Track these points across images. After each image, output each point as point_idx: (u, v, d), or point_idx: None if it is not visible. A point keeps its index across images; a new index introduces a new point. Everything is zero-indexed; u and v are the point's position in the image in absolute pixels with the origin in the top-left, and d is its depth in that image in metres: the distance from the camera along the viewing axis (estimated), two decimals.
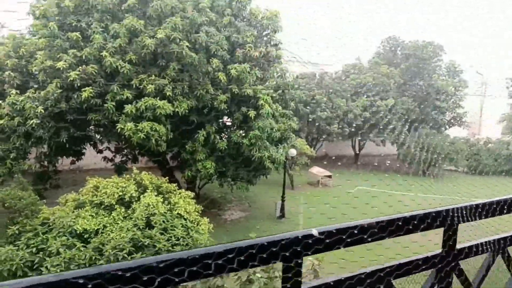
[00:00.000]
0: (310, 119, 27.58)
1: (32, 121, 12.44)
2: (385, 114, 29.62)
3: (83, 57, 13.00)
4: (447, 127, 35.30)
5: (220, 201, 19.73)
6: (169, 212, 10.31)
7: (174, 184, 12.05)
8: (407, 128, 32.91)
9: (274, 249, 1.00)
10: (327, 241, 1.09)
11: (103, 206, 10.23)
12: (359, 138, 32.65)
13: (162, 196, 10.91)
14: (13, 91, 12.93)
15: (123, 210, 10.04)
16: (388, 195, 21.94)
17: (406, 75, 33.26)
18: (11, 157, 12.84)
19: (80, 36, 13.40)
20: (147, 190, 10.68)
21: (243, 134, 15.65)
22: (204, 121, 15.29)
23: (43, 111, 12.52)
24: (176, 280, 0.90)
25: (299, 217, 17.70)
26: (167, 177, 12.33)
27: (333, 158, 31.65)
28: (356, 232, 1.14)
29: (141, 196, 10.45)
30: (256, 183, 17.21)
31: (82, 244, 8.93)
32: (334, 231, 1.11)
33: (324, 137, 29.15)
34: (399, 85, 32.80)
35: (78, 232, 9.16)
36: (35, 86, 13.40)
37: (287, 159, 18.20)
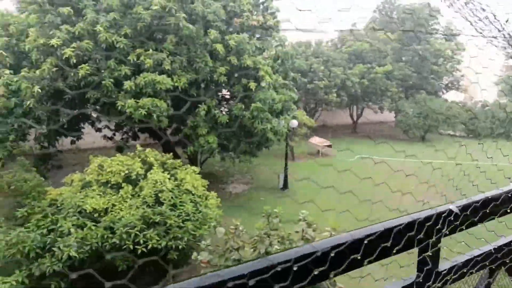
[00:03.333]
0: (308, 89, 27.30)
1: (29, 102, 12.12)
2: (382, 80, 29.38)
3: (77, 32, 12.53)
4: (444, 91, 35.22)
5: (222, 175, 19.76)
6: (176, 188, 10.25)
7: (179, 160, 11.96)
8: (404, 94, 32.79)
9: (410, 233, 0.90)
10: (468, 216, 0.96)
11: (109, 184, 10.14)
12: (357, 106, 32.55)
13: (168, 172, 10.83)
14: (7, 71, 12.51)
15: (130, 188, 9.96)
16: (389, 162, 22.06)
17: (402, 40, 32.77)
18: (10, 139, 12.59)
19: (71, 11, 12.87)
20: (153, 167, 10.59)
21: (244, 107, 15.44)
22: (204, 95, 15.02)
23: (39, 90, 12.17)
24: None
25: (302, 187, 17.81)
26: (170, 153, 12.21)
27: (332, 127, 31.65)
28: (498, 203, 1.02)
29: (148, 173, 10.36)
30: (258, 155, 17.17)
31: (92, 223, 8.89)
32: (472, 204, 0.98)
33: (322, 106, 28.97)
34: (396, 50, 32.39)
35: (87, 211, 9.10)
36: (29, 65, 12.97)
37: (288, 130, 18.10)
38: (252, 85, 14.72)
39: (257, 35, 15.71)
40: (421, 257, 0.95)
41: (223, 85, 15.99)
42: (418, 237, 0.92)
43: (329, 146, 24.20)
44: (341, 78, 27.90)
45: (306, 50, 29.06)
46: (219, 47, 14.11)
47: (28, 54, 12.96)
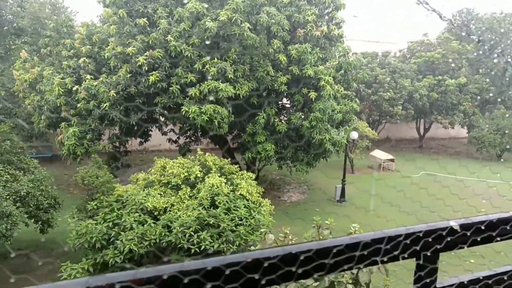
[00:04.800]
0: (372, 100, 26.50)
1: (105, 104, 13.26)
2: (454, 94, 27.59)
3: (150, 42, 13.51)
4: None
5: (279, 183, 19.85)
6: (232, 192, 10.55)
7: (236, 166, 12.30)
8: (480, 109, 30.44)
9: (408, 242, 0.92)
10: (469, 235, 0.97)
11: (170, 185, 10.73)
12: (425, 119, 30.86)
13: (225, 177, 11.19)
14: (88, 77, 13.81)
15: (188, 189, 10.44)
16: (457, 180, 20.65)
17: (480, 51, 30.53)
18: (87, 138, 13.84)
19: (147, 22, 13.91)
20: (210, 171, 11.00)
21: (303, 116, 15.46)
22: (264, 103, 15.29)
23: (114, 94, 13.27)
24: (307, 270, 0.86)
25: (360, 201, 17.28)
26: (228, 159, 12.59)
27: (396, 141, 30.35)
28: (508, 228, 1.01)
29: (205, 176, 10.78)
30: (316, 165, 17.01)
31: (152, 221, 9.45)
32: (473, 223, 0.98)
33: (386, 119, 27.91)
34: (471, 62, 30.28)
35: (148, 209, 9.70)
36: (107, 71, 14.20)
37: (348, 142, 17.72)
38: (313, 94, 14.70)
39: (320, 45, 15.66)
40: (418, 270, 0.96)
41: (284, 94, 16.16)
42: (415, 248, 0.94)
43: (392, 160, 23.22)
44: (409, 90, 26.70)
45: (372, 61, 28.27)
46: (281, 56, 14.32)
47: (107, 61, 14.21)
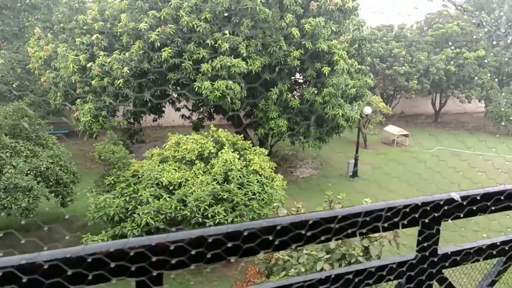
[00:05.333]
0: (387, 75, 26.02)
1: (119, 81, 13.37)
2: (472, 67, 26.86)
3: (162, 17, 13.43)
4: None
5: (291, 158, 19.94)
6: (245, 168, 10.71)
7: (249, 141, 12.41)
8: (498, 83, 29.65)
9: (413, 213, 0.99)
10: (469, 206, 1.03)
11: (184, 161, 10.93)
12: (441, 94, 30.27)
13: (238, 152, 11.33)
14: (101, 53, 13.89)
15: (202, 165, 10.64)
16: (475, 155, 20.41)
17: (500, 22, 29.41)
18: (102, 114, 14.06)
19: None
20: (224, 147, 11.14)
21: (316, 92, 15.34)
22: (277, 79, 15.20)
23: (128, 71, 13.35)
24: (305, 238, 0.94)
25: (373, 176, 17.31)
26: (241, 135, 12.68)
27: (411, 116, 29.95)
28: (502, 198, 1.07)
29: (219, 152, 10.94)
30: (328, 141, 17.00)
31: (167, 195, 9.71)
32: (478, 197, 1.04)
33: (401, 93, 27.45)
34: (491, 34, 29.24)
35: (164, 184, 9.94)
36: (120, 47, 14.23)
37: (362, 117, 17.58)
38: (326, 69, 14.53)
39: (334, 19, 15.33)
40: (420, 238, 1.03)
41: (297, 69, 16.00)
42: (418, 216, 1.00)
43: (406, 135, 23.01)
44: (425, 63, 26.08)
45: (387, 34, 27.56)
46: (294, 31, 14.10)
47: (120, 38, 14.23)
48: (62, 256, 0.80)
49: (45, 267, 0.78)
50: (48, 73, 15.37)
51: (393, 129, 23.07)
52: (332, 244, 6.07)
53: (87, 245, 0.86)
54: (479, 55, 26.49)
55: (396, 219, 0.97)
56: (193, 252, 0.87)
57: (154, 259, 0.85)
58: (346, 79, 14.77)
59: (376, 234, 6.09)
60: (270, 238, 0.91)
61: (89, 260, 0.81)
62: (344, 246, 6.13)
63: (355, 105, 15.72)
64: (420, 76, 26.47)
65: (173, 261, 0.87)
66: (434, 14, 30.80)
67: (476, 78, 27.16)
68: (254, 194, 9.98)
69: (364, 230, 0.97)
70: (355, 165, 17.42)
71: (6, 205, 9.13)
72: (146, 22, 13.29)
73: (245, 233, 0.89)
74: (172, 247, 0.87)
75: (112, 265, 0.83)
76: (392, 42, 26.64)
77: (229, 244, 0.88)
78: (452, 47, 27.37)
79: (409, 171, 15.89)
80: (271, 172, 11.29)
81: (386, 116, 21.51)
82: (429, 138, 23.86)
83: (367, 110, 17.53)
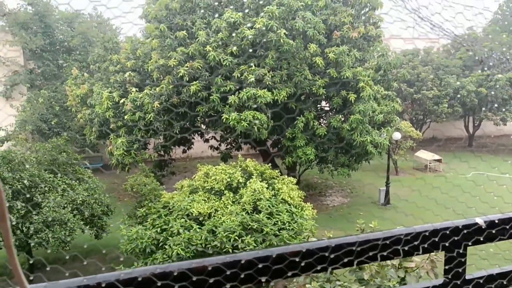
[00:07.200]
0: (415, 99, 25.66)
1: (150, 115, 13.89)
2: (505, 88, 26.08)
3: (190, 53, 14.00)
4: None
5: (320, 187, 19.71)
6: (273, 197, 10.67)
7: (277, 170, 12.41)
8: None
9: (435, 239, 1.00)
10: (493, 231, 1.03)
11: (213, 191, 11.03)
12: (473, 117, 29.39)
13: (266, 182, 11.33)
14: (133, 89, 14.55)
15: (231, 195, 10.68)
16: None
17: None
18: (134, 147, 14.55)
19: (186, 34, 14.44)
20: (252, 176, 11.18)
21: (343, 119, 15.31)
22: (303, 107, 15.32)
23: (158, 105, 13.87)
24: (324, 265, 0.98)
25: (405, 204, 16.77)
26: (269, 164, 12.72)
27: (444, 140, 29.13)
28: None
29: (247, 182, 10.98)
30: (358, 168, 16.75)
31: (198, 226, 9.76)
32: (498, 221, 1.05)
33: (431, 118, 26.87)
34: None
35: (193, 215, 10.03)
36: (151, 83, 14.87)
37: (391, 143, 17.29)
38: (352, 96, 14.55)
39: (358, 47, 15.47)
40: (448, 263, 1.03)
41: (322, 97, 16.10)
42: (444, 243, 1.01)
43: (439, 160, 22.32)
44: (454, 86, 25.58)
45: (413, 58, 27.40)
46: (319, 60, 14.31)
47: (150, 74, 14.89)
48: (115, 278, 0.91)
49: (104, 285, 0.90)
50: (84, 109, 16.18)
51: (425, 155, 22.47)
52: (366, 275, 5.88)
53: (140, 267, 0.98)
54: (511, 76, 25.77)
55: (421, 244, 0.99)
56: (228, 273, 0.95)
57: (194, 278, 0.94)
58: (372, 105, 14.69)
59: (413, 264, 5.88)
60: (297, 259, 0.97)
61: (140, 279, 0.91)
62: (378, 278, 5.93)
63: (384, 131, 15.52)
64: (450, 100, 25.93)
65: (211, 280, 0.95)
66: (461, 37, 30.44)
67: (511, 99, 26.31)
68: (284, 224, 9.87)
69: (385, 253, 0.99)
70: (387, 192, 16.99)
71: (44, 237, 9.46)
72: (175, 58, 13.90)
73: (274, 256, 0.95)
74: (210, 268, 0.96)
75: (159, 284, 0.93)
76: (419, 66, 26.42)
77: (260, 265, 0.95)
78: (485, 69, 26.81)
79: (445, 197, 15.32)
80: (301, 201, 11.18)
81: (416, 142, 21.04)
82: (463, 163, 23.03)
83: (396, 135, 17.25)
